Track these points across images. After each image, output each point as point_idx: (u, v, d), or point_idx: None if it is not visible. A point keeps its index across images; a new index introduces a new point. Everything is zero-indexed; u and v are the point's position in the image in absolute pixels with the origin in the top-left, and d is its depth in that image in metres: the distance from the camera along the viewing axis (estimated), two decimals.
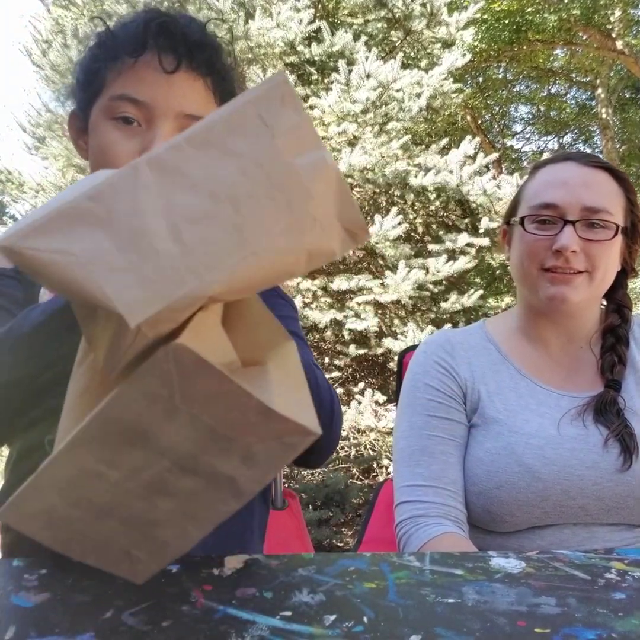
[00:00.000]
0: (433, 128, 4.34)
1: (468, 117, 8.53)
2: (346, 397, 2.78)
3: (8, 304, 0.57)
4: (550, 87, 10.10)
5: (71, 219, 0.24)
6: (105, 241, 0.24)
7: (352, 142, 2.79)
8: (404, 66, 2.88)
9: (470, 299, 2.71)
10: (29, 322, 0.46)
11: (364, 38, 2.90)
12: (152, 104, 0.55)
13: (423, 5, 3.00)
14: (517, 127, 11.13)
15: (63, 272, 0.24)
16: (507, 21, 7.65)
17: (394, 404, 1.70)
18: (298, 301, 2.70)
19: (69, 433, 0.28)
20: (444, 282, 2.78)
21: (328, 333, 2.82)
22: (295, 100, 0.28)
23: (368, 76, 2.65)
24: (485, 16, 7.04)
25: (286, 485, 2.61)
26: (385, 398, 2.59)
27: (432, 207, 2.97)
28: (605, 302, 0.79)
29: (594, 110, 9.33)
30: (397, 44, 3.23)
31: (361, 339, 2.81)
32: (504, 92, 9.91)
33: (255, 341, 0.32)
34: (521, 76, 9.63)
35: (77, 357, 0.37)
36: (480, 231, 2.79)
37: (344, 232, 0.29)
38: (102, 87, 0.57)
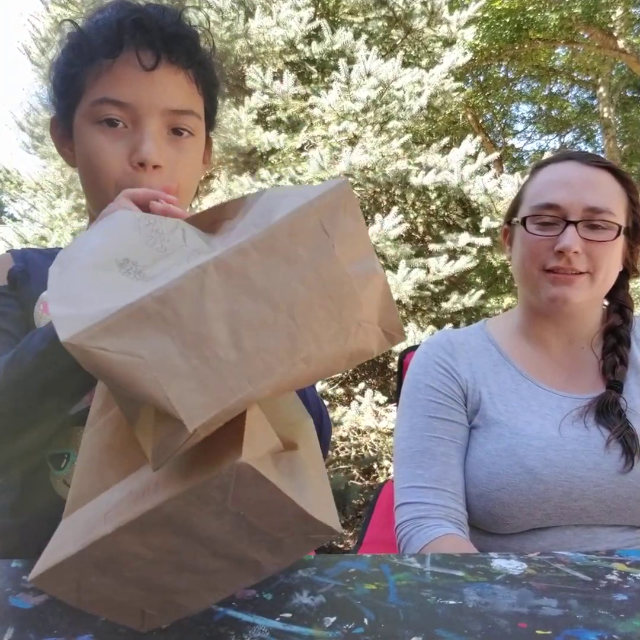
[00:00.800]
0: (434, 127, 4.34)
1: (469, 116, 8.52)
2: (346, 398, 2.78)
3: (7, 324, 0.56)
4: (551, 86, 10.08)
5: (140, 320, 0.25)
6: (171, 345, 0.25)
7: (353, 141, 2.79)
8: (405, 65, 2.87)
9: (471, 299, 2.71)
10: (32, 350, 0.45)
11: (364, 36, 2.89)
12: (136, 104, 0.54)
13: (424, 3, 3.00)
14: (519, 126, 11.13)
15: (130, 373, 0.24)
16: (508, 20, 7.63)
17: (395, 404, 1.69)
18: None
19: (91, 486, 0.30)
20: (444, 282, 2.78)
21: None
22: (356, 209, 0.29)
23: (368, 75, 2.64)
24: (486, 15, 7.02)
25: None
26: (385, 399, 2.59)
27: (433, 207, 2.96)
28: (606, 303, 0.79)
29: (596, 109, 9.32)
30: (397, 43, 3.22)
31: None
32: (505, 91, 9.90)
33: (280, 419, 0.34)
34: (522, 75, 9.61)
35: (96, 405, 0.38)
36: (482, 231, 2.78)
37: (383, 334, 0.31)
38: (81, 91, 0.56)
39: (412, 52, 3.29)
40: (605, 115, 8.12)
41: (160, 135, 0.55)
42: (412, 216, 2.99)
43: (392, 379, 2.90)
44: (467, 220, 2.96)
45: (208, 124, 0.63)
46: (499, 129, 10.42)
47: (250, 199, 0.37)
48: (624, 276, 0.78)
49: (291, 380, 0.27)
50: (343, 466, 2.72)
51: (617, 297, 0.78)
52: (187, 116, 0.56)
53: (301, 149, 2.89)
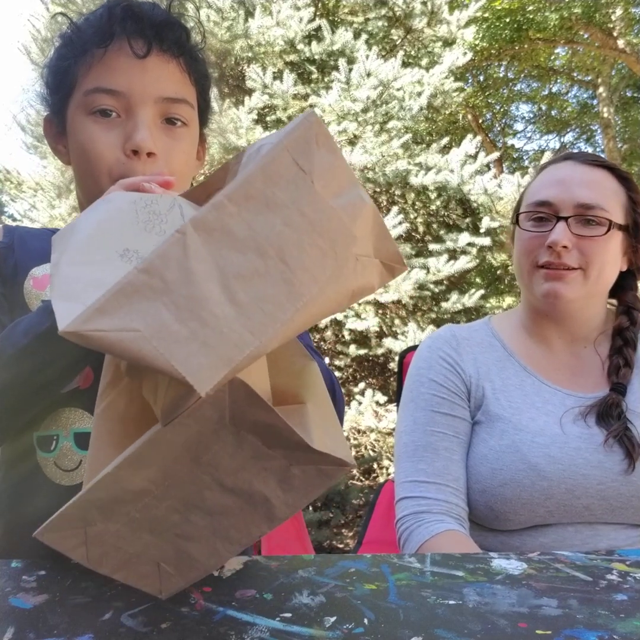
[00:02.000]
0: (434, 127, 4.34)
1: (469, 116, 8.52)
2: (346, 398, 2.78)
3: None
4: (551, 86, 10.08)
5: (129, 295, 0.25)
6: (165, 312, 0.25)
7: (353, 141, 2.79)
8: (405, 65, 2.87)
9: (471, 299, 2.71)
10: (12, 343, 0.45)
11: (364, 36, 2.89)
12: (129, 92, 0.53)
13: (424, 3, 3.00)
14: (519, 126, 11.12)
15: (131, 348, 0.24)
16: (508, 19, 7.63)
17: (395, 404, 1.69)
18: None
19: (111, 458, 0.30)
20: (444, 281, 2.78)
21: (328, 333, 2.82)
22: (329, 140, 0.28)
23: (368, 75, 2.64)
24: (486, 14, 7.02)
25: None
26: (385, 398, 2.59)
27: (433, 207, 2.96)
28: (614, 303, 0.79)
29: (596, 109, 9.32)
30: (397, 43, 3.22)
31: (361, 339, 2.81)
32: (505, 90, 9.89)
33: (284, 366, 0.34)
34: (522, 75, 9.61)
35: (105, 379, 0.38)
36: (481, 231, 2.78)
37: (382, 266, 0.30)
38: (74, 84, 0.55)
39: (412, 52, 3.29)
40: (605, 115, 8.11)
41: (154, 124, 0.55)
42: (412, 216, 2.98)
43: (392, 379, 2.90)
44: (467, 220, 2.96)
45: (202, 119, 0.62)
46: (499, 128, 10.42)
47: (232, 163, 0.36)
48: (631, 277, 0.78)
49: (296, 325, 0.27)
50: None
51: (625, 298, 0.78)
52: (180, 105, 0.56)
53: None
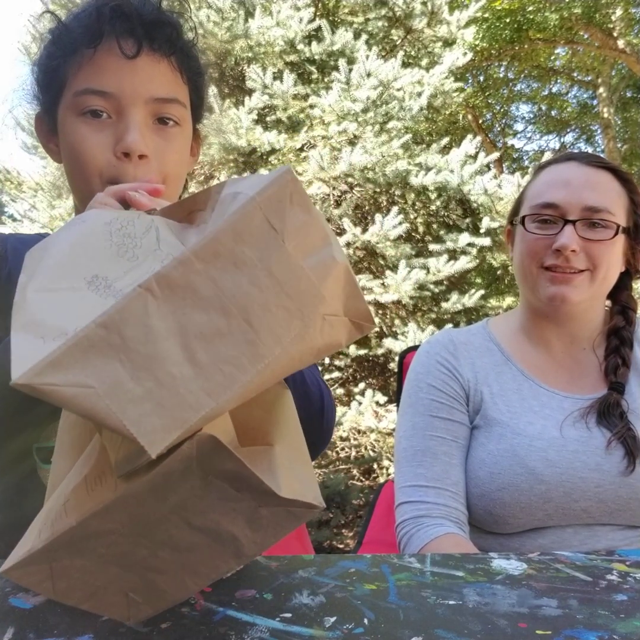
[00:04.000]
0: (434, 127, 4.34)
1: (469, 116, 8.52)
2: (346, 398, 2.78)
3: None
4: (551, 86, 10.08)
5: (85, 349, 0.24)
6: (121, 370, 0.24)
7: (353, 141, 2.79)
8: (405, 65, 2.87)
9: (471, 299, 2.71)
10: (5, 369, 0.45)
11: (364, 37, 2.89)
12: (119, 93, 0.53)
13: (424, 3, 3.00)
14: (519, 126, 11.13)
15: (83, 404, 0.24)
16: (508, 20, 7.63)
17: (395, 404, 1.69)
18: None
19: (63, 472, 0.30)
20: (444, 282, 2.77)
21: None
22: (303, 198, 0.27)
23: (368, 75, 2.64)
24: (486, 15, 7.02)
25: None
26: (385, 399, 2.59)
27: (433, 207, 2.96)
28: (609, 304, 0.79)
29: (596, 109, 9.32)
30: (397, 43, 3.22)
31: (361, 339, 2.80)
32: (505, 91, 9.89)
33: (257, 395, 0.33)
34: (522, 75, 9.61)
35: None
36: (482, 231, 2.78)
37: (351, 324, 0.29)
38: (63, 84, 0.55)
39: (412, 52, 3.29)
40: (605, 115, 8.11)
41: (145, 125, 0.54)
42: (412, 216, 2.98)
43: (392, 379, 2.89)
44: (467, 220, 2.95)
45: (195, 116, 0.62)
46: (499, 129, 10.42)
47: (214, 191, 0.35)
48: (627, 277, 0.78)
49: (256, 386, 0.26)
50: (343, 466, 2.72)
51: (620, 298, 0.78)
52: (172, 105, 0.55)
53: (301, 149, 2.89)
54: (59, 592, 0.30)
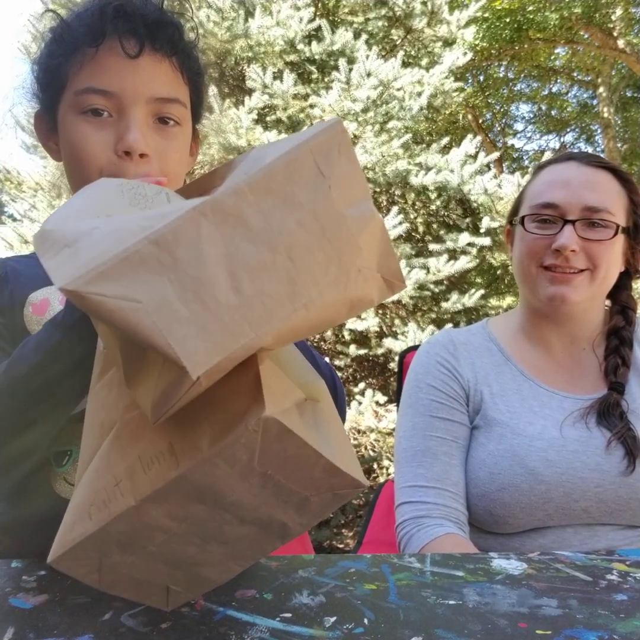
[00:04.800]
0: (434, 127, 4.34)
1: (469, 116, 8.52)
2: (347, 398, 2.78)
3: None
4: (551, 86, 10.08)
5: (136, 264, 0.24)
6: (169, 289, 0.24)
7: (353, 141, 2.78)
8: (405, 65, 2.87)
9: (472, 299, 2.71)
10: (24, 360, 0.45)
11: (364, 36, 2.89)
12: (120, 92, 0.53)
13: (424, 3, 3.00)
14: (519, 126, 11.13)
15: (128, 318, 0.24)
16: (508, 19, 7.63)
17: (395, 404, 1.69)
18: None
19: (95, 450, 0.30)
20: (444, 282, 2.77)
21: (328, 333, 2.82)
22: (350, 150, 0.28)
23: (368, 75, 2.64)
24: (486, 14, 7.02)
25: None
26: (385, 399, 2.59)
27: (433, 207, 2.96)
28: (609, 304, 0.79)
29: (596, 109, 9.32)
30: (397, 43, 3.22)
31: (362, 339, 2.81)
32: (505, 90, 9.90)
33: (293, 380, 0.33)
34: (522, 75, 9.61)
35: (95, 370, 0.37)
36: (482, 231, 2.78)
37: (383, 281, 0.30)
38: (64, 82, 0.55)
39: (412, 52, 3.29)
40: (605, 115, 8.11)
41: (146, 124, 0.54)
42: (412, 216, 2.98)
43: (392, 379, 2.89)
44: (467, 220, 2.95)
45: (195, 116, 0.62)
46: (499, 128, 10.42)
47: (236, 159, 0.36)
48: (626, 277, 0.78)
49: (292, 327, 0.26)
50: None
51: (620, 298, 0.78)
52: (172, 104, 0.55)
53: None
54: (105, 584, 0.31)
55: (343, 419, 0.60)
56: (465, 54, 2.98)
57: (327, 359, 2.88)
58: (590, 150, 10.27)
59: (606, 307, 0.79)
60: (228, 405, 0.27)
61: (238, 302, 0.25)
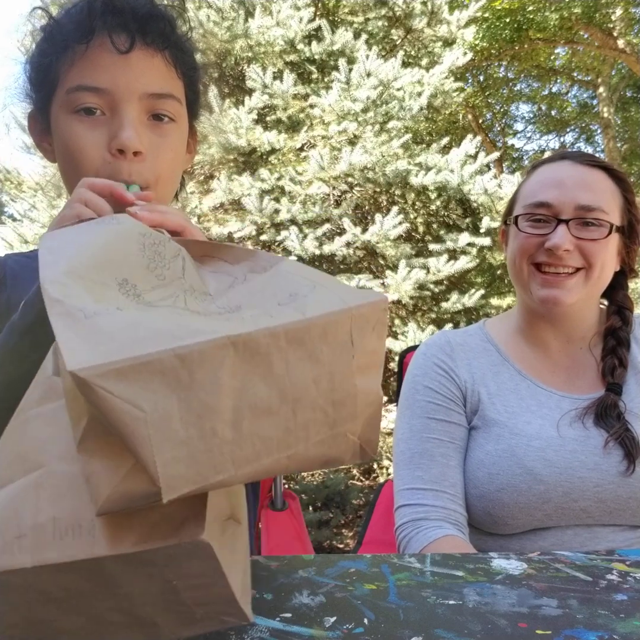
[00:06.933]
0: (434, 127, 4.34)
1: (469, 116, 8.53)
2: None
3: None
4: (551, 86, 10.08)
5: (153, 372, 0.24)
6: (175, 407, 0.24)
7: (353, 141, 2.79)
8: (405, 65, 2.87)
9: (472, 298, 2.71)
10: (1, 343, 0.44)
11: (364, 36, 2.89)
12: (112, 89, 0.51)
13: (424, 3, 3.00)
14: (519, 126, 11.13)
15: (127, 423, 0.24)
16: (508, 19, 7.63)
17: (394, 404, 1.69)
18: None
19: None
20: (445, 281, 2.78)
21: None
22: (383, 328, 0.30)
23: (368, 75, 2.64)
24: (486, 14, 7.03)
25: (286, 486, 2.61)
26: (385, 398, 2.58)
27: (433, 207, 2.96)
28: (605, 303, 0.79)
29: (596, 109, 9.32)
30: (397, 43, 3.22)
31: None
32: (505, 90, 9.90)
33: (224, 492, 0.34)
34: (522, 75, 9.61)
35: (33, 394, 0.35)
36: (482, 231, 2.78)
37: (359, 448, 0.31)
38: (56, 81, 0.54)
39: (412, 52, 3.29)
40: (605, 115, 8.11)
41: (140, 121, 0.53)
42: (412, 216, 2.99)
43: (392, 379, 2.89)
44: (467, 220, 2.96)
45: (191, 112, 0.61)
46: (499, 128, 10.42)
47: (262, 258, 0.36)
48: (622, 277, 0.77)
49: (268, 471, 0.27)
50: (343, 466, 2.72)
51: (617, 298, 0.77)
52: (166, 100, 0.54)
53: (301, 149, 2.89)
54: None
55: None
56: (465, 54, 2.98)
57: None
58: (590, 150, 10.28)
59: (602, 306, 0.79)
60: (166, 509, 0.27)
61: (231, 438, 0.25)
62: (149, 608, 0.29)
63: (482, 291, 2.76)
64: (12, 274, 0.60)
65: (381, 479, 2.71)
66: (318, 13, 3.06)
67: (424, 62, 3.22)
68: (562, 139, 10.77)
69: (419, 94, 2.80)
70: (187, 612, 0.29)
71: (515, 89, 10.14)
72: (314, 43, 2.85)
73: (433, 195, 2.83)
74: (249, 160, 2.83)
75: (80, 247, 0.33)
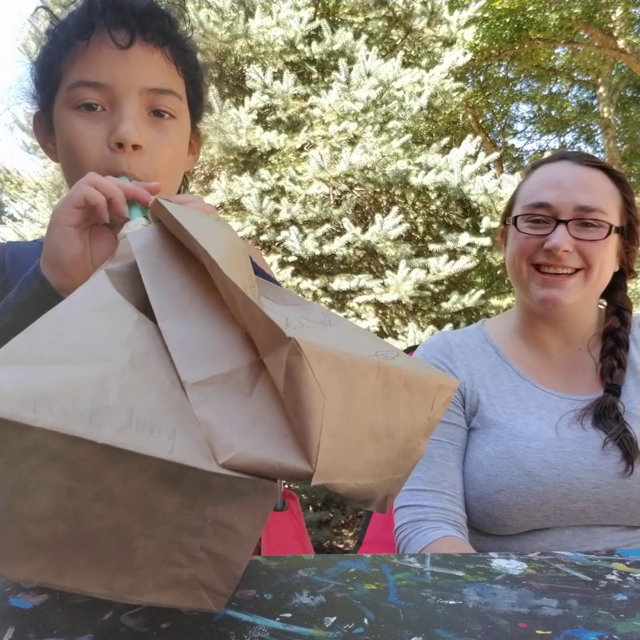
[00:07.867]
0: (434, 127, 4.34)
1: (469, 116, 8.53)
2: None
3: None
4: (551, 86, 10.09)
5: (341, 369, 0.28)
6: (339, 405, 0.27)
7: (353, 141, 2.79)
8: (405, 65, 2.87)
9: (472, 299, 2.71)
10: None
11: (364, 36, 2.89)
12: (112, 84, 0.52)
13: (424, 3, 3.00)
14: (519, 126, 11.15)
15: (313, 399, 0.27)
16: (508, 19, 7.64)
17: None
18: None
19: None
20: (445, 282, 2.78)
21: None
22: (446, 406, 0.34)
23: (368, 75, 2.64)
24: (486, 14, 7.03)
25: (286, 486, 2.61)
26: None
27: (433, 207, 2.96)
28: (604, 304, 0.79)
29: (596, 109, 9.32)
30: (397, 43, 3.22)
31: None
32: (505, 90, 9.91)
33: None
34: (522, 75, 9.62)
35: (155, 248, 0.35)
36: (482, 231, 2.78)
37: (390, 497, 0.34)
38: (58, 79, 0.54)
39: (412, 52, 3.29)
40: (605, 115, 8.11)
41: (140, 116, 0.53)
42: (412, 216, 2.99)
43: None
44: (467, 220, 2.96)
45: (194, 113, 0.61)
46: (499, 128, 10.43)
47: (317, 310, 0.37)
48: (621, 277, 0.77)
49: (356, 491, 0.30)
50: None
51: (615, 299, 0.77)
52: (166, 96, 0.54)
53: (301, 149, 2.89)
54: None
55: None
56: (465, 54, 2.98)
57: None
58: (590, 150, 10.29)
59: (601, 306, 0.79)
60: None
61: (357, 448, 0.28)
62: (153, 543, 0.26)
63: (482, 291, 2.76)
64: (11, 258, 0.60)
65: None
66: (318, 13, 3.06)
67: (424, 62, 3.22)
68: (562, 139, 10.78)
69: (419, 94, 2.80)
70: (178, 566, 0.27)
71: (515, 89, 10.15)
72: (314, 43, 2.85)
73: (433, 196, 2.83)
74: (249, 161, 2.84)
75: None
